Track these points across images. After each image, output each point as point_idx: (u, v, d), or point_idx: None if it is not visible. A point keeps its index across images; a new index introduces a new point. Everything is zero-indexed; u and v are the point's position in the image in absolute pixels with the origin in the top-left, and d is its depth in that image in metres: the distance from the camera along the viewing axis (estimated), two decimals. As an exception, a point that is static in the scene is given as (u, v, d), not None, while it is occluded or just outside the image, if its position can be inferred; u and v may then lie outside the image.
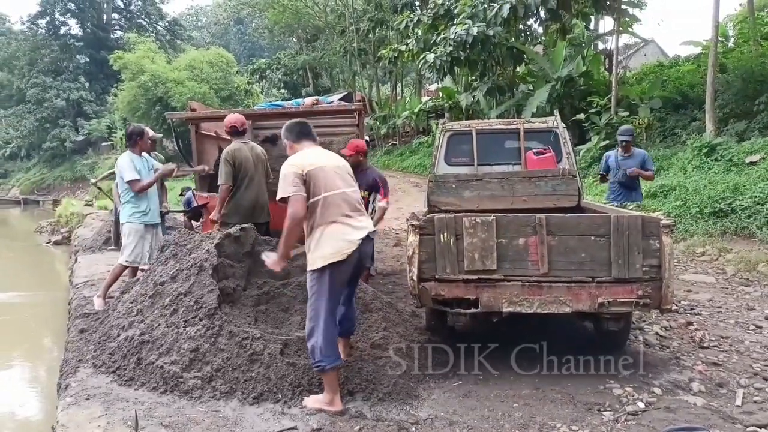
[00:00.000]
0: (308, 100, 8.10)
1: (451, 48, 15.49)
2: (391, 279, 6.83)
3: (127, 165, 5.78)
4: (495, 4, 14.69)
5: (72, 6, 44.66)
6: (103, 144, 41.51)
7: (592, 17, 16.80)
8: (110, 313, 4.87)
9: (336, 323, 3.57)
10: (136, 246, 5.83)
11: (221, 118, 6.20)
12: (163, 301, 4.25)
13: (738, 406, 3.60)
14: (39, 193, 39.87)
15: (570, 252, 3.85)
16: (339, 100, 8.20)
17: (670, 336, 4.93)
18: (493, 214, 3.96)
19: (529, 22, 18.03)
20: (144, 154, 6.07)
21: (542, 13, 15.28)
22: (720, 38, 12.82)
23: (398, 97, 32.55)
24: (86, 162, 39.90)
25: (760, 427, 3.32)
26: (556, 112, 7.20)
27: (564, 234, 3.86)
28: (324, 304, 3.43)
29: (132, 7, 47.94)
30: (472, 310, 3.98)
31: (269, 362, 3.74)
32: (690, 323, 5.23)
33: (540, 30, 18.68)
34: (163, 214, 7.09)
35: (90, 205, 18.62)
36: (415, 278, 3.95)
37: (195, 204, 7.30)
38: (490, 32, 14.82)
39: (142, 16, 47.59)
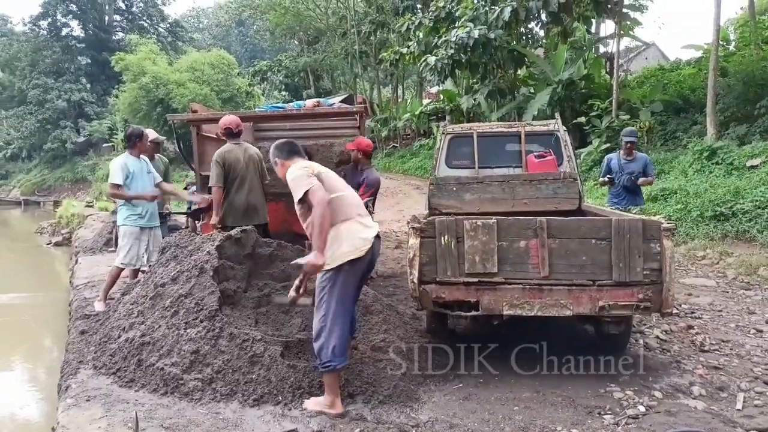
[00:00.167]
0: (309, 102, 8.11)
1: (452, 51, 15.51)
2: (392, 281, 6.83)
3: (117, 167, 5.75)
4: (496, 7, 14.72)
5: (74, 7, 44.74)
6: (104, 145, 41.53)
7: (594, 20, 16.84)
8: (111, 314, 4.88)
9: (349, 324, 3.57)
10: (131, 248, 5.82)
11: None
12: (163, 302, 4.25)
13: (739, 410, 3.60)
14: (40, 194, 39.87)
15: (571, 255, 3.86)
16: (340, 102, 8.21)
17: (670, 339, 4.93)
18: (494, 217, 3.97)
19: (530, 25, 18.06)
20: (143, 156, 6.06)
21: (543, 17, 15.31)
22: (721, 42, 12.84)
23: (399, 100, 32.56)
24: (87, 163, 39.94)
25: (761, 431, 3.31)
26: (557, 115, 7.20)
27: (565, 237, 3.86)
28: (338, 304, 3.43)
29: (134, 9, 48.01)
30: (473, 313, 3.98)
31: (270, 364, 3.74)
32: (691, 327, 5.22)
33: (541, 33, 18.72)
34: (165, 216, 7.09)
35: (91, 207, 18.61)
36: (415, 281, 3.95)
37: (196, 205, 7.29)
38: (492, 35, 14.85)
39: (144, 18, 47.66)
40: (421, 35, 18.29)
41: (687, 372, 4.19)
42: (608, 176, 7.03)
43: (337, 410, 3.45)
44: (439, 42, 16.38)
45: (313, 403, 3.54)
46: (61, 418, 3.51)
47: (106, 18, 47.01)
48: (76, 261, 9.39)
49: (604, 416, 3.52)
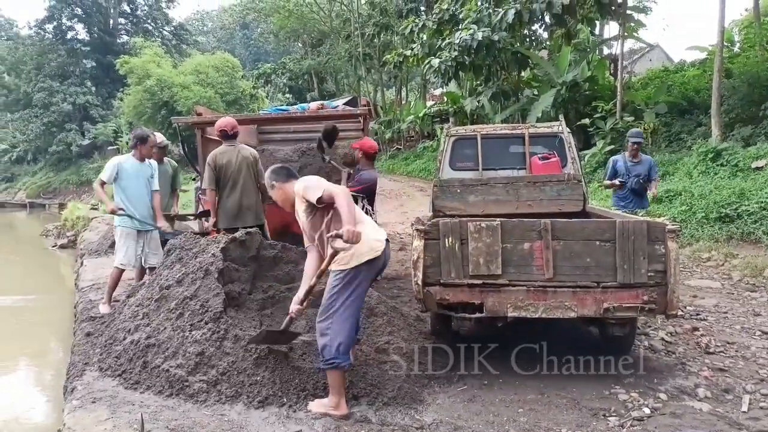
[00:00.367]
0: (313, 105, 8.14)
1: (456, 53, 15.51)
2: (396, 283, 6.83)
3: (109, 165, 5.84)
4: (500, 10, 14.72)
5: (79, 11, 44.92)
6: (109, 148, 41.58)
7: (597, 22, 16.80)
8: (116, 316, 4.89)
9: (357, 324, 3.58)
10: (128, 249, 5.85)
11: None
12: (168, 304, 4.26)
13: (744, 412, 3.59)
14: (45, 196, 39.99)
15: (575, 257, 3.85)
16: (344, 104, 8.24)
17: (675, 341, 4.92)
18: (498, 219, 3.97)
19: (534, 27, 18.06)
20: (152, 161, 6.04)
21: (547, 19, 15.29)
22: (726, 43, 12.83)
23: (403, 102, 32.57)
24: (92, 166, 40.02)
25: (767, 434, 3.31)
26: (561, 116, 7.20)
27: (569, 239, 3.86)
28: (350, 304, 3.44)
29: (138, 12, 48.19)
30: (477, 315, 3.98)
31: (274, 366, 3.75)
32: (696, 329, 5.21)
33: (545, 35, 18.70)
34: (172, 218, 7.11)
35: (96, 209, 18.65)
36: (420, 282, 3.96)
37: (201, 208, 7.32)
38: (495, 37, 14.84)
39: (149, 21, 47.83)
40: (424, 37, 18.31)
41: (692, 374, 4.18)
42: (619, 180, 6.86)
43: (341, 412, 3.46)
44: (443, 44, 16.39)
45: (317, 405, 3.54)
46: (67, 420, 3.52)
47: (111, 21, 47.20)
48: (82, 263, 9.42)
49: (609, 418, 3.52)
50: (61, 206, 27.63)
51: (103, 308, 5.75)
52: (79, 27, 45.87)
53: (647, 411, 3.58)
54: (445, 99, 24.34)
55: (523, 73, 17.83)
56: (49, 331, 7.61)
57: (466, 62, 15.89)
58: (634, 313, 3.87)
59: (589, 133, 14.46)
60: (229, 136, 5.78)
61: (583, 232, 3.88)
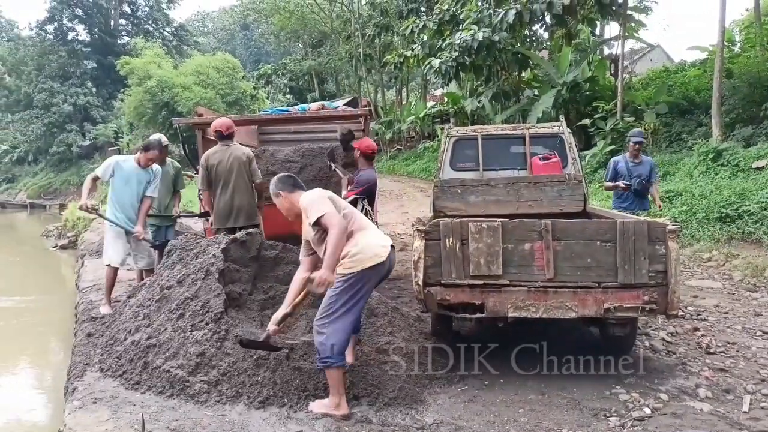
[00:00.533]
0: (314, 106, 8.15)
1: (456, 53, 15.53)
2: (397, 284, 6.82)
3: (105, 162, 5.90)
4: (500, 10, 14.73)
5: (80, 12, 44.97)
6: (110, 149, 41.57)
7: (598, 23, 16.82)
8: (117, 317, 4.89)
9: (352, 328, 3.59)
10: (115, 247, 5.85)
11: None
12: (169, 305, 4.26)
13: (745, 412, 3.59)
14: (46, 197, 40.01)
15: (576, 257, 3.85)
16: (344, 105, 8.26)
17: (676, 342, 4.92)
18: (498, 220, 3.97)
19: (534, 28, 18.08)
20: (156, 167, 5.99)
21: (548, 19, 15.32)
22: (726, 43, 12.82)
23: (403, 102, 32.60)
24: (93, 167, 39.77)
25: (768, 434, 3.31)
26: (561, 117, 7.21)
27: (570, 239, 3.86)
28: (348, 307, 3.46)
29: (139, 13, 48.24)
30: (478, 315, 3.98)
31: (275, 366, 3.75)
32: (696, 329, 5.21)
33: (545, 35, 18.74)
34: (174, 219, 7.12)
35: (96, 210, 18.68)
36: (420, 283, 3.96)
37: (203, 208, 7.32)
38: (496, 38, 14.85)
39: (149, 22, 47.88)
40: (425, 38, 18.33)
41: (693, 374, 4.18)
42: (623, 182, 6.65)
43: (342, 412, 3.46)
44: (443, 45, 16.41)
45: (318, 405, 3.55)
46: (67, 420, 3.53)
47: (112, 22, 47.26)
48: (82, 264, 9.43)
49: (610, 418, 3.52)
50: (62, 207, 27.64)
51: (104, 309, 5.76)
52: (80, 28, 45.97)
53: (648, 411, 3.58)
54: (446, 99, 24.36)
55: (523, 74, 17.84)
56: (49, 332, 7.62)
57: (467, 63, 15.91)
58: (635, 314, 3.86)
59: (589, 133, 14.46)
60: (224, 136, 5.78)
61: (584, 232, 3.88)
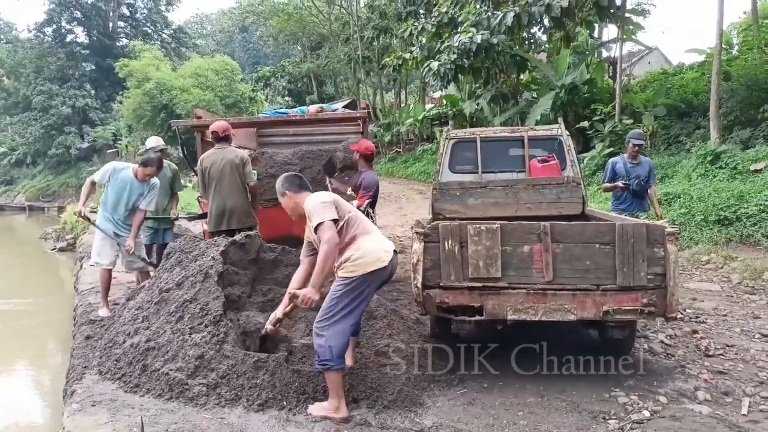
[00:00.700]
0: (313, 108, 8.15)
1: (455, 56, 15.55)
2: (396, 286, 6.82)
3: (104, 167, 5.96)
4: (499, 13, 14.78)
5: (78, 14, 45.02)
6: (109, 151, 41.63)
7: (596, 25, 16.87)
8: (116, 319, 4.89)
9: (351, 331, 3.59)
10: (102, 248, 5.87)
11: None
12: (168, 308, 4.26)
13: (744, 414, 3.59)
14: (44, 199, 40.00)
15: (575, 260, 3.85)
16: (343, 107, 8.26)
17: (675, 344, 4.92)
18: (497, 222, 3.97)
19: (532, 30, 18.11)
20: (154, 180, 5.97)
21: (546, 22, 15.35)
22: (724, 46, 12.85)
23: (402, 105, 32.64)
24: (91, 169, 39.94)
25: (767, 436, 3.31)
26: (560, 119, 7.20)
27: (569, 242, 3.86)
28: (348, 311, 3.46)
29: (138, 15, 48.29)
30: (477, 318, 3.98)
31: (274, 369, 3.75)
32: (695, 331, 5.21)
33: (544, 38, 18.76)
34: (172, 221, 7.12)
35: (95, 212, 18.67)
36: (419, 285, 3.96)
37: (200, 211, 7.33)
38: (494, 40, 14.88)
39: (148, 24, 47.91)
40: (423, 40, 18.35)
41: (692, 377, 4.18)
42: (622, 182, 6.62)
43: (341, 415, 3.46)
44: (442, 47, 16.44)
45: (317, 408, 3.54)
46: (66, 423, 3.52)
47: (111, 24, 47.29)
48: (81, 266, 9.42)
49: (609, 421, 3.51)
50: (60, 209, 27.63)
51: (102, 311, 5.75)
52: (79, 30, 46.03)
53: (647, 414, 3.58)
54: (445, 102, 24.39)
55: (522, 76, 17.87)
56: (48, 335, 7.61)
57: (465, 65, 15.93)
58: (634, 316, 3.86)
59: (588, 135, 14.48)
60: (219, 138, 5.80)
61: (583, 235, 3.88)
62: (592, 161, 13.35)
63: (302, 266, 3.81)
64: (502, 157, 6.37)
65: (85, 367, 4.31)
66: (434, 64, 16.34)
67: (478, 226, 3.93)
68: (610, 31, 18.38)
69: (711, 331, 5.27)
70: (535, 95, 16.83)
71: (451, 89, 21.60)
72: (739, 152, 10.44)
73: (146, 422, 3.35)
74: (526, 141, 6.30)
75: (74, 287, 8.37)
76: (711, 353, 4.68)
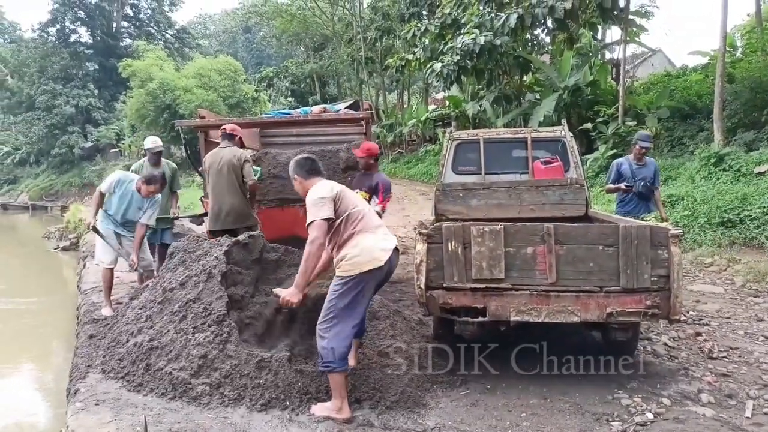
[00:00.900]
0: (315, 109, 8.14)
1: (458, 57, 15.57)
2: (399, 287, 6.82)
3: (110, 177, 6.05)
4: (502, 14, 14.78)
5: (82, 14, 45.17)
6: (112, 151, 41.83)
7: (600, 27, 16.84)
8: (119, 319, 4.90)
9: (353, 331, 3.58)
10: (104, 247, 5.99)
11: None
12: (172, 307, 4.27)
13: (748, 417, 3.58)
14: (47, 199, 40.11)
15: (578, 261, 3.85)
16: (346, 108, 8.26)
17: (678, 346, 4.91)
18: (500, 223, 3.96)
19: (536, 32, 18.11)
20: (157, 197, 6.04)
21: (549, 23, 15.32)
22: (728, 48, 12.82)
23: (405, 106, 32.65)
24: (94, 168, 40.19)
25: (770, 439, 3.30)
26: (563, 121, 7.19)
27: (572, 243, 3.86)
28: (347, 310, 3.46)
29: (141, 16, 48.43)
30: (480, 319, 3.97)
31: (277, 369, 3.75)
32: (699, 334, 5.20)
33: (547, 39, 18.75)
34: (172, 221, 7.12)
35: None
36: (422, 286, 3.96)
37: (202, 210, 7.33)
38: (498, 42, 14.89)
39: (151, 24, 48.05)
40: (426, 42, 18.36)
41: (695, 379, 4.17)
42: (626, 184, 6.52)
43: (344, 415, 3.46)
44: (445, 48, 16.46)
45: (320, 408, 3.54)
46: (70, 422, 3.53)
47: (114, 24, 47.43)
48: (84, 265, 9.43)
49: (612, 423, 3.51)
50: (64, 208, 27.71)
51: (105, 311, 5.77)
52: (82, 30, 46.20)
53: (650, 416, 3.57)
54: (447, 103, 24.39)
55: (525, 78, 17.86)
56: (51, 334, 7.62)
57: (468, 66, 15.95)
58: (637, 318, 3.85)
59: (591, 137, 14.47)
60: (225, 136, 5.86)
61: (586, 236, 3.88)
62: (595, 163, 13.34)
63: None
64: (505, 159, 6.36)
65: (88, 366, 4.32)
66: (437, 66, 16.36)
67: (481, 227, 3.92)
68: (614, 33, 18.33)
69: (714, 334, 5.26)
70: (538, 97, 16.82)
71: (454, 90, 21.57)
72: (742, 154, 10.43)
73: (149, 421, 3.36)
74: (529, 142, 6.30)
75: (77, 286, 8.39)
76: (714, 356, 4.67)
